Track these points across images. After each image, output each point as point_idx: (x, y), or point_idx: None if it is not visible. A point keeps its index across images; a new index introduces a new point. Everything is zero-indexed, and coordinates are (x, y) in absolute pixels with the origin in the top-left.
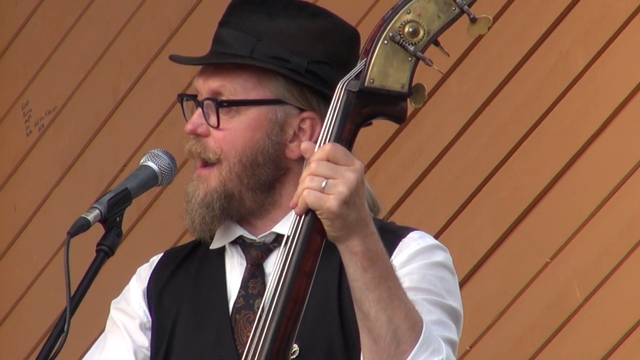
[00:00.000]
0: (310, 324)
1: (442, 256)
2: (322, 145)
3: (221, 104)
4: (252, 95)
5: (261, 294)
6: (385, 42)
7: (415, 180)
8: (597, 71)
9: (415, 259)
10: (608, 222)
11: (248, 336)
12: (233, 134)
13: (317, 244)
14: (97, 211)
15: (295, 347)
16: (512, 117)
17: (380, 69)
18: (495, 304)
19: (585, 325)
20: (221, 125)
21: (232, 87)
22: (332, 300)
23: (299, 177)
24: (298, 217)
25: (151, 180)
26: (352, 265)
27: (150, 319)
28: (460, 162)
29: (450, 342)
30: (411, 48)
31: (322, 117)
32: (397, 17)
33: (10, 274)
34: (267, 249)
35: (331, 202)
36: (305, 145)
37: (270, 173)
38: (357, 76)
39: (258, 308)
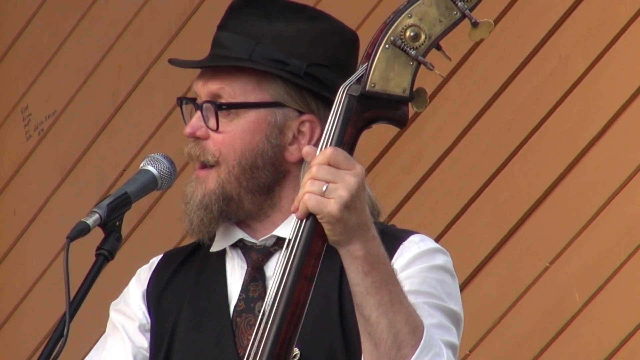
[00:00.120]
0: (311, 328)
1: (443, 259)
2: (323, 149)
3: (220, 107)
4: (251, 98)
5: (262, 297)
6: (387, 46)
7: (416, 184)
8: (597, 75)
9: (416, 262)
10: (607, 227)
11: (249, 339)
12: (232, 137)
13: (318, 248)
14: (96, 215)
15: (296, 350)
16: (512, 121)
17: (382, 73)
18: (495, 308)
19: (584, 329)
20: (220, 128)
21: (231, 90)
22: (333, 304)
23: (298, 180)
24: (299, 221)
25: (151, 184)
26: (353, 269)
27: (149, 320)
28: (460, 166)
29: (451, 346)
30: (412, 52)
31: (322, 120)
32: (398, 21)
33: (10, 278)
34: (267, 252)
35: (332, 206)
36: (306, 149)
37: (270, 176)
38: (359, 80)
39: (259, 311)
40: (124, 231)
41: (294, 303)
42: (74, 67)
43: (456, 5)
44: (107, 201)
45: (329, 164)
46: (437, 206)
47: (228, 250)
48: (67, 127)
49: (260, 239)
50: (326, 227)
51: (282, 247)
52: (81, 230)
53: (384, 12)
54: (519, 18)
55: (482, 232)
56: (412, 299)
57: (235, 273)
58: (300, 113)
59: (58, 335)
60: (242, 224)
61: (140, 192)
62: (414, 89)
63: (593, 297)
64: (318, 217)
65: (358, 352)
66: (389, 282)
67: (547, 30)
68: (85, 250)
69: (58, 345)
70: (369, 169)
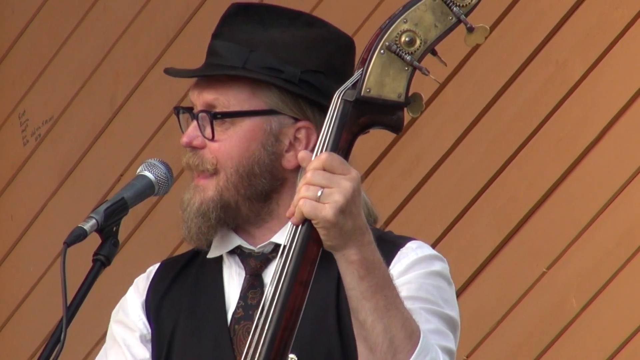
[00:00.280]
0: (308, 334)
1: (440, 266)
2: (318, 154)
3: (215, 116)
4: (246, 106)
5: (260, 304)
6: (382, 51)
7: (413, 189)
8: (594, 80)
9: (413, 268)
10: (605, 231)
11: None
12: (228, 145)
13: (314, 254)
14: (93, 221)
15: (294, 357)
16: (510, 126)
17: (377, 78)
18: (493, 313)
19: (582, 334)
20: (216, 137)
21: (226, 99)
22: (330, 311)
23: (295, 186)
24: (294, 227)
25: (148, 189)
26: (348, 274)
27: (150, 330)
28: (457, 171)
29: (448, 351)
30: (408, 57)
31: (318, 126)
32: (393, 26)
33: (8, 283)
34: (265, 259)
35: (327, 211)
36: (302, 154)
37: (267, 183)
38: (354, 86)
39: None
40: (121, 236)
41: (289, 309)
42: (71, 72)
43: (451, 10)
44: (104, 206)
45: (324, 169)
46: (435, 210)
47: (225, 257)
48: (65, 133)
49: (259, 246)
50: (321, 232)
51: None
52: (78, 236)
53: (381, 18)
54: (517, 23)
55: (480, 236)
56: (409, 304)
57: (233, 280)
58: (296, 120)
59: (55, 340)
60: (240, 230)
61: (137, 198)
62: (410, 94)
63: (590, 302)
64: (313, 222)
65: (355, 358)
66: (385, 287)
67: (544, 35)
68: (82, 255)
69: (55, 351)
70: (366, 174)
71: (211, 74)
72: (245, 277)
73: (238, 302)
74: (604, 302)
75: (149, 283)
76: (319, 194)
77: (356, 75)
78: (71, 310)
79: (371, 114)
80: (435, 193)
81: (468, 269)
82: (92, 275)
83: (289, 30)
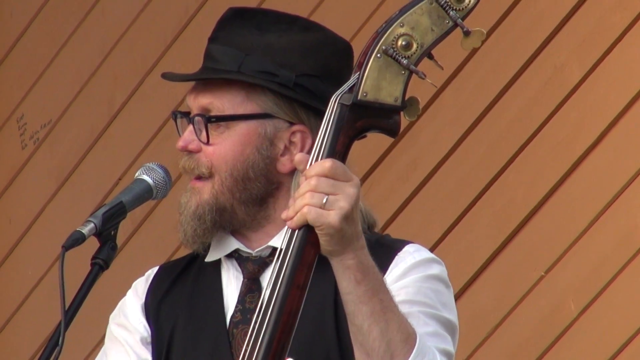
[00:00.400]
0: (307, 339)
1: (438, 269)
2: (315, 158)
3: (210, 120)
4: (241, 110)
5: None
6: (379, 55)
7: (411, 193)
8: (592, 84)
9: (411, 272)
10: (603, 236)
11: None
12: (223, 149)
13: (311, 258)
14: (91, 225)
15: None
16: (508, 130)
17: (374, 82)
18: (491, 317)
19: (579, 338)
20: (211, 141)
21: (221, 103)
22: (329, 316)
23: (291, 191)
24: (291, 231)
25: (146, 193)
26: (345, 278)
27: (149, 333)
28: (455, 175)
29: (446, 354)
30: (404, 61)
31: (313, 130)
32: (390, 30)
33: (6, 287)
34: (263, 263)
35: (332, 217)
36: (298, 156)
37: (262, 187)
38: (351, 89)
39: None
40: (119, 240)
41: (287, 312)
42: (69, 76)
43: (448, 14)
44: (102, 210)
45: (327, 176)
46: (433, 215)
47: (223, 261)
48: (63, 136)
49: (256, 250)
50: (324, 239)
51: None
52: (76, 240)
53: (379, 22)
54: (515, 27)
55: (478, 241)
56: (407, 308)
57: (231, 284)
58: (291, 124)
59: (53, 344)
60: (237, 234)
61: (135, 202)
62: (406, 98)
63: (589, 306)
64: (317, 229)
65: None
66: (380, 291)
67: (542, 40)
68: (81, 259)
69: (53, 355)
70: (364, 178)
71: (205, 78)
72: (243, 281)
73: (236, 306)
74: (602, 305)
75: (148, 286)
76: (324, 200)
77: (353, 79)
78: (69, 313)
79: (368, 117)
80: (434, 196)
81: (466, 273)
82: (91, 279)
83: (286, 35)
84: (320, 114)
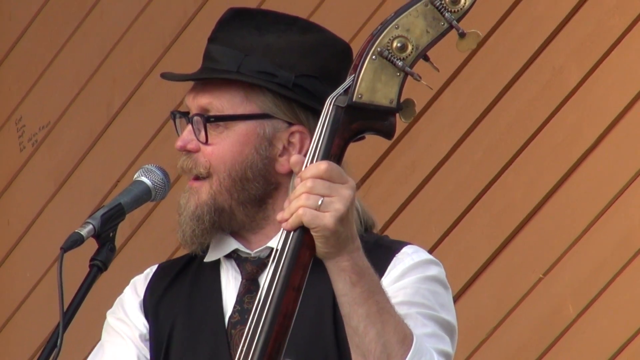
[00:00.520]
0: (305, 341)
1: (436, 270)
2: (311, 160)
3: (209, 120)
4: (240, 110)
5: None
6: (374, 57)
7: (409, 196)
8: (591, 87)
9: (409, 273)
10: (602, 238)
11: None
12: (221, 149)
13: (306, 259)
14: (90, 226)
15: None
16: (506, 132)
17: (369, 84)
18: (489, 320)
19: (577, 341)
20: (210, 141)
21: (220, 103)
22: (327, 317)
23: (289, 191)
24: (286, 232)
25: (145, 195)
26: (340, 280)
27: (148, 330)
28: (454, 178)
29: (444, 355)
30: (399, 63)
31: (312, 131)
32: (385, 32)
33: (4, 289)
34: (262, 264)
35: (327, 219)
36: (294, 158)
37: (260, 188)
38: (346, 91)
39: None
40: (118, 242)
41: (282, 313)
42: (68, 79)
43: (443, 16)
44: (100, 212)
45: (322, 178)
46: (432, 217)
47: (222, 261)
48: (61, 139)
49: (255, 251)
50: (319, 241)
51: None
52: (75, 241)
53: (378, 24)
54: (513, 30)
55: (476, 243)
56: (405, 309)
57: (230, 284)
58: (290, 124)
59: (52, 345)
60: (236, 234)
61: (134, 203)
62: (402, 100)
63: (587, 309)
64: (312, 231)
65: None
66: (376, 292)
67: (541, 42)
68: (79, 261)
69: (52, 356)
70: (363, 180)
71: (205, 78)
72: (241, 281)
73: (234, 307)
74: (600, 308)
75: (146, 284)
76: (319, 202)
77: (348, 81)
78: (68, 315)
79: (363, 119)
80: (432, 199)
81: (465, 275)
82: (89, 281)
83: (285, 36)
84: (319, 115)
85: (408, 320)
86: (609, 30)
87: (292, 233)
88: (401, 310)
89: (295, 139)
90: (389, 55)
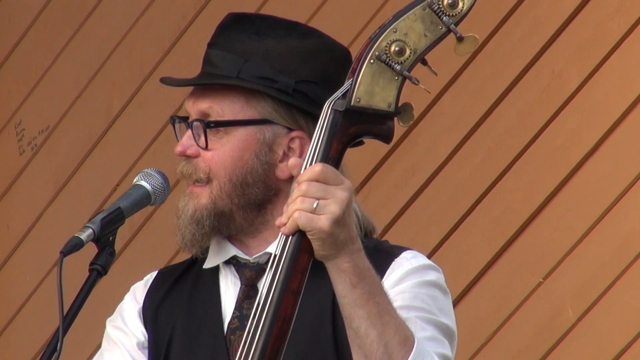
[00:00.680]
0: (304, 346)
1: (435, 275)
2: (309, 164)
3: (208, 125)
4: (240, 115)
5: None
6: (372, 61)
7: (409, 199)
8: (590, 91)
9: (408, 278)
10: (601, 242)
11: None
12: (222, 154)
13: (304, 263)
14: (90, 230)
15: None
16: (506, 136)
17: (367, 88)
18: (489, 323)
19: (577, 344)
20: (210, 146)
21: (220, 108)
22: (327, 321)
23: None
24: (284, 237)
25: (144, 199)
26: (340, 282)
27: (147, 337)
28: (453, 181)
29: (444, 358)
30: (397, 67)
31: (311, 136)
32: (383, 36)
33: (4, 293)
34: (261, 270)
35: (323, 222)
36: (292, 161)
37: (260, 193)
38: (344, 95)
39: None
40: (117, 246)
41: (281, 318)
42: (67, 82)
43: (441, 19)
44: (100, 216)
45: (318, 181)
46: (431, 221)
47: (221, 267)
48: (61, 142)
49: (254, 256)
50: (316, 243)
51: None
52: (74, 246)
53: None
54: (513, 34)
55: (475, 247)
56: (404, 313)
57: (229, 290)
58: (290, 130)
59: (51, 350)
60: (234, 240)
61: (133, 207)
62: (400, 104)
63: (586, 313)
64: (308, 234)
65: None
66: (377, 294)
67: (540, 46)
68: (79, 265)
69: None
70: (362, 184)
71: (205, 83)
72: (240, 287)
73: (234, 312)
74: (600, 312)
75: (146, 291)
76: (315, 205)
77: (346, 85)
78: (68, 319)
79: (361, 123)
80: (432, 203)
81: (464, 279)
82: (89, 285)
83: (285, 41)
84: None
85: (407, 324)
86: (609, 34)
87: (290, 237)
88: (400, 314)
89: (295, 144)
90: (387, 59)
